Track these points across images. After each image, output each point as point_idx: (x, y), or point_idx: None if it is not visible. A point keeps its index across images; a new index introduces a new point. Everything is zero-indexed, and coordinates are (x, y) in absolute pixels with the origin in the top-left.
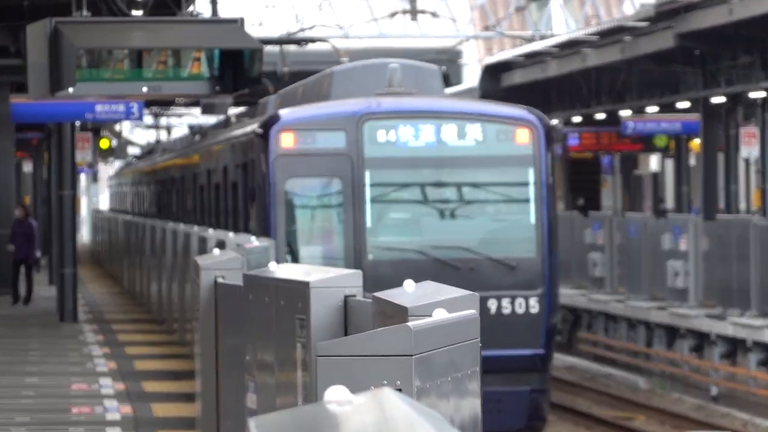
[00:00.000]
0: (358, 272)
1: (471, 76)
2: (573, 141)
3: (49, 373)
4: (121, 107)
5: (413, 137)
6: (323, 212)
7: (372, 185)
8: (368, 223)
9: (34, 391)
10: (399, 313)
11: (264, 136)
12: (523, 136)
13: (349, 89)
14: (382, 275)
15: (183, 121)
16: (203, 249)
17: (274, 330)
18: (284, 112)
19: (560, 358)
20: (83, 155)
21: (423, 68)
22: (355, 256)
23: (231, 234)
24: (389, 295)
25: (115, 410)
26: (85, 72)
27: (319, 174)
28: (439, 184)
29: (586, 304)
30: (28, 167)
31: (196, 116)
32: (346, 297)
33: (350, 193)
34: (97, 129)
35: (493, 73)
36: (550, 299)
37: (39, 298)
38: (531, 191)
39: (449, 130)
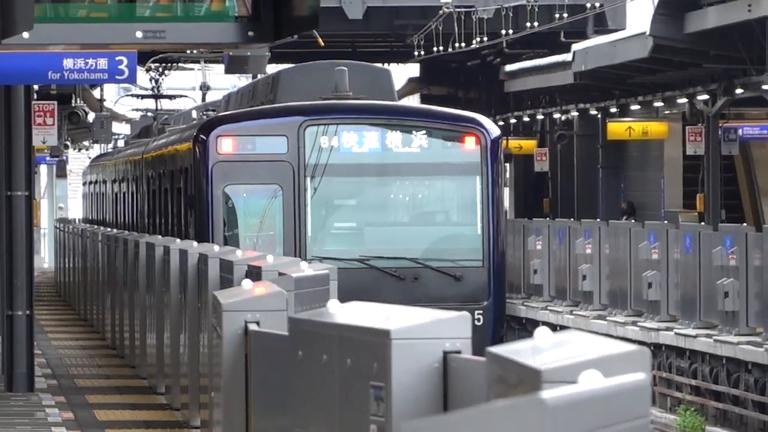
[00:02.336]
0: (465, 316)
1: (639, 18)
2: None
3: None
4: (104, 62)
5: (357, 144)
6: (263, 220)
7: (313, 193)
8: (309, 231)
9: None
10: (528, 379)
11: (203, 141)
12: (470, 143)
13: (295, 92)
14: None
15: (196, 83)
16: (227, 279)
17: (337, 404)
18: (224, 116)
19: None
20: (44, 136)
21: (372, 71)
22: None
23: (270, 256)
24: (513, 351)
25: None
26: (49, 8)
27: (259, 181)
28: (383, 193)
29: None
30: None
31: (218, 75)
32: (445, 353)
33: (291, 201)
34: (66, 96)
35: (672, 11)
36: (496, 312)
37: None
38: (478, 199)
39: (394, 137)
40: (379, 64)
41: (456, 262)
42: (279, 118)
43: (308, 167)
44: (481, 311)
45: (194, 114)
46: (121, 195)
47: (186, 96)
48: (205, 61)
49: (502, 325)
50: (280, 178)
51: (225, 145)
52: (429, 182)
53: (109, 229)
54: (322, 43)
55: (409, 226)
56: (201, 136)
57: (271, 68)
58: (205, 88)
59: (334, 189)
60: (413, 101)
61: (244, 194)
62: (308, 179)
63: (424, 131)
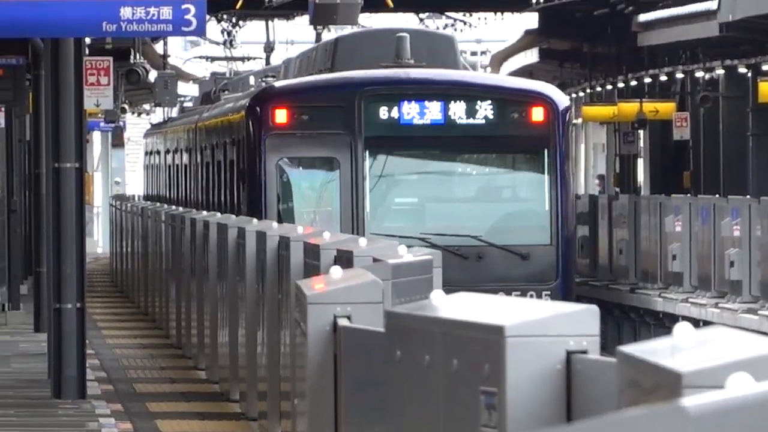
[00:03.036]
0: (593, 309)
1: None
2: None
3: None
4: (168, 12)
5: (418, 115)
6: (319, 196)
7: (372, 167)
8: (367, 207)
9: None
10: (666, 383)
11: (255, 112)
12: (538, 115)
13: (354, 60)
14: None
15: (275, 36)
16: (313, 266)
17: (441, 413)
18: (278, 85)
19: None
20: (97, 98)
21: (435, 38)
22: None
23: (362, 240)
24: (648, 350)
25: None
26: None
27: (315, 154)
28: (446, 166)
29: None
30: None
31: (301, 27)
32: (569, 353)
33: (348, 176)
34: (123, 51)
35: None
36: (565, 293)
37: (17, 356)
38: (546, 174)
39: (457, 108)
40: (488, 14)
41: (522, 240)
42: (336, 88)
43: (367, 140)
44: (549, 292)
45: (252, 80)
46: (175, 168)
47: (259, 58)
48: (276, 17)
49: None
50: (337, 151)
51: (279, 116)
52: (494, 156)
53: (173, 208)
54: (391, 4)
55: (473, 202)
56: (254, 106)
57: (364, 19)
58: (268, 49)
59: (394, 163)
60: (531, 56)
61: (299, 168)
62: (367, 152)
63: (489, 102)
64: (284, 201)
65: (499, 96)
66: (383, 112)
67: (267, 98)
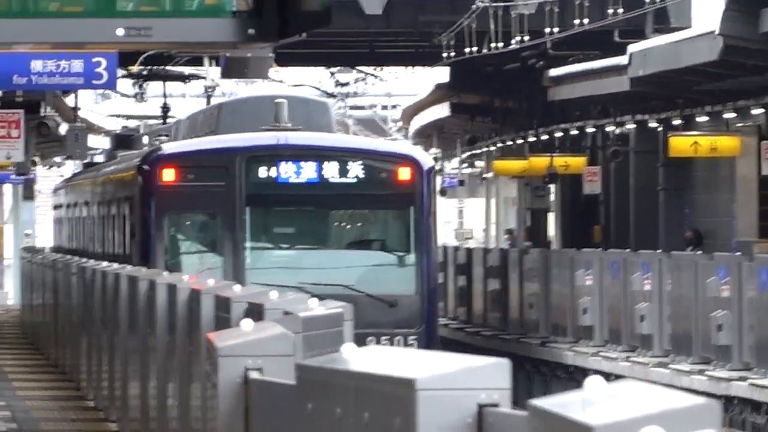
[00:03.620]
0: (504, 363)
1: (706, 15)
2: None
3: None
4: (79, 65)
5: (294, 174)
6: (203, 249)
7: (252, 222)
8: (248, 259)
9: None
10: None
11: (145, 170)
12: (404, 174)
13: (237, 123)
14: None
15: (189, 91)
16: (224, 319)
17: None
18: (167, 147)
19: None
20: (8, 151)
21: (311, 103)
22: None
23: (274, 293)
24: (560, 404)
25: None
26: (13, 2)
27: (199, 210)
28: (320, 222)
29: None
30: None
31: (212, 80)
32: (480, 407)
33: (230, 230)
34: (33, 104)
35: (745, 7)
36: (430, 336)
37: None
38: (412, 229)
39: (331, 168)
40: (399, 68)
41: (390, 289)
42: (219, 150)
43: (247, 197)
44: (415, 336)
45: (145, 140)
46: (78, 221)
47: (172, 117)
48: (173, 80)
49: (435, 348)
50: (220, 207)
51: (167, 174)
52: (365, 212)
53: (83, 260)
54: (276, 66)
55: (346, 255)
56: (144, 165)
57: (274, 73)
58: (164, 109)
59: (273, 219)
60: (442, 111)
61: (185, 223)
62: (247, 209)
63: (359, 163)
64: (171, 253)
65: (369, 157)
66: (262, 172)
67: (156, 158)
